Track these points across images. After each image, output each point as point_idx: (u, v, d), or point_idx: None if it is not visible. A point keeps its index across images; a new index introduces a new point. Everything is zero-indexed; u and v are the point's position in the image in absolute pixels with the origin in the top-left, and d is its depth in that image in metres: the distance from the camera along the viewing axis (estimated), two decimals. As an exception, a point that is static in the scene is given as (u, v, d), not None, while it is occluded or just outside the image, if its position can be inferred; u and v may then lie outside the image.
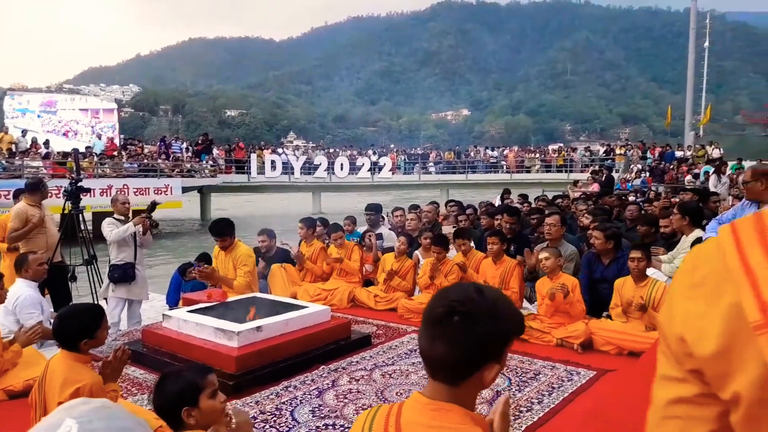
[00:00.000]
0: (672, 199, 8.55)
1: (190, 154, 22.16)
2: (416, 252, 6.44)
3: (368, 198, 27.30)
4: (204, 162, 21.73)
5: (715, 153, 18.36)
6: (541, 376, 3.85)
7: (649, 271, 4.64)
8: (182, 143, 23.74)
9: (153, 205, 5.69)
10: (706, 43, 37.19)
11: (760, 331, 0.51)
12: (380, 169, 25.22)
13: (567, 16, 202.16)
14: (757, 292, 0.53)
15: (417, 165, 27.58)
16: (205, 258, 6.03)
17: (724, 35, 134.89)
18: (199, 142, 23.17)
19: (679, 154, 19.91)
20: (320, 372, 3.96)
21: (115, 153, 19.94)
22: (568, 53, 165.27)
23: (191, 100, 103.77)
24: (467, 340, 1.09)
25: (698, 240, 4.74)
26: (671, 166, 17.44)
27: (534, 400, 3.46)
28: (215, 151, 23.57)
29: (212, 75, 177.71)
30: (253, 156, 23.61)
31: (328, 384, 3.77)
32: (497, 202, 10.35)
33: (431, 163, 27.98)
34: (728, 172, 14.22)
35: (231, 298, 4.87)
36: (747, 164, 15.89)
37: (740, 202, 4.85)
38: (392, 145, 59.70)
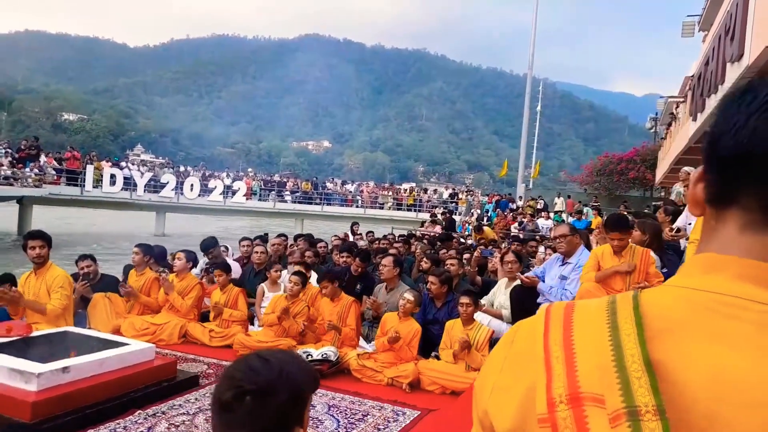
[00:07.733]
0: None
1: (10, 158, 19.46)
2: (262, 285, 6.27)
3: (219, 222, 26.33)
4: (28, 169, 19.22)
5: (539, 205, 20.70)
6: (369, 417, 3.91)
7: (476, 315, 5.02)
8: (3, 145, 20.84)
9: None
10: (539, 107, 42.28)
11: (542, 425, 0.54)
12: (234, 193, 24.41)
13: (425, 65, 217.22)
14: (549, 386, 0.55)
15: (273, 192, 27.13)
16: (7, 279, 5.18)
17: (554, 101, 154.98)
18: (22, 147, 20.49)
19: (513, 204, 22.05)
20: (135, 418, 3.61)
21: None
22: (424, 99, 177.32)
23: (21, 98, 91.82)
24: (264, 416, 1.03)
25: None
26: (505, 214, 19.25)
27: (359, 443, 3.50)
28: (43, 158, 20.99)
29: (50, 73, 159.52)
30: (90, 167, 21.46)
31: (142, 432, 3.46)
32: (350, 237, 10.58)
33: (288, 192, 27.68)
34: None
35: (37, 332, 4.28)
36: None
37: (552, 257, 5.48)
38: (249, 169, 58.28)
